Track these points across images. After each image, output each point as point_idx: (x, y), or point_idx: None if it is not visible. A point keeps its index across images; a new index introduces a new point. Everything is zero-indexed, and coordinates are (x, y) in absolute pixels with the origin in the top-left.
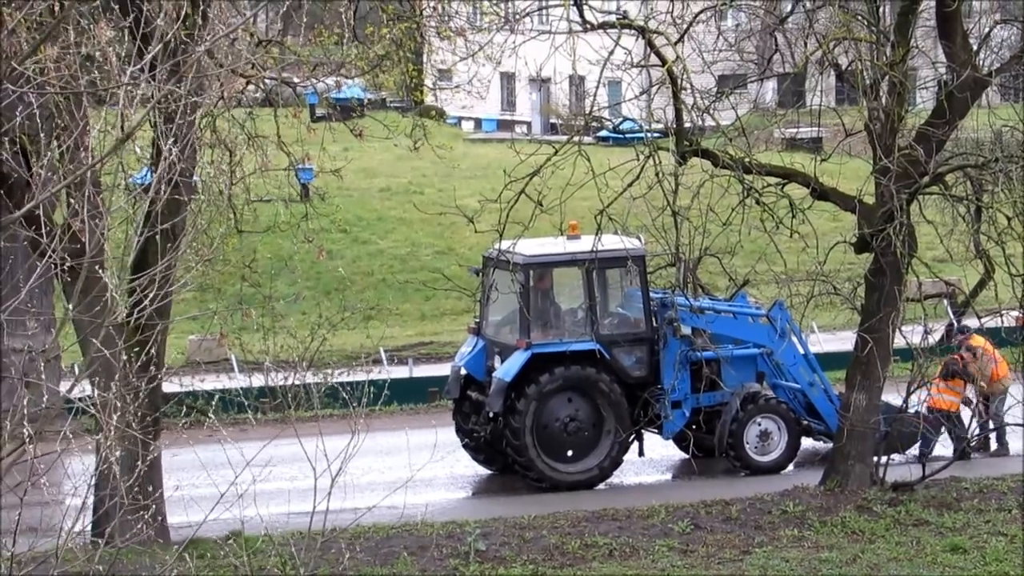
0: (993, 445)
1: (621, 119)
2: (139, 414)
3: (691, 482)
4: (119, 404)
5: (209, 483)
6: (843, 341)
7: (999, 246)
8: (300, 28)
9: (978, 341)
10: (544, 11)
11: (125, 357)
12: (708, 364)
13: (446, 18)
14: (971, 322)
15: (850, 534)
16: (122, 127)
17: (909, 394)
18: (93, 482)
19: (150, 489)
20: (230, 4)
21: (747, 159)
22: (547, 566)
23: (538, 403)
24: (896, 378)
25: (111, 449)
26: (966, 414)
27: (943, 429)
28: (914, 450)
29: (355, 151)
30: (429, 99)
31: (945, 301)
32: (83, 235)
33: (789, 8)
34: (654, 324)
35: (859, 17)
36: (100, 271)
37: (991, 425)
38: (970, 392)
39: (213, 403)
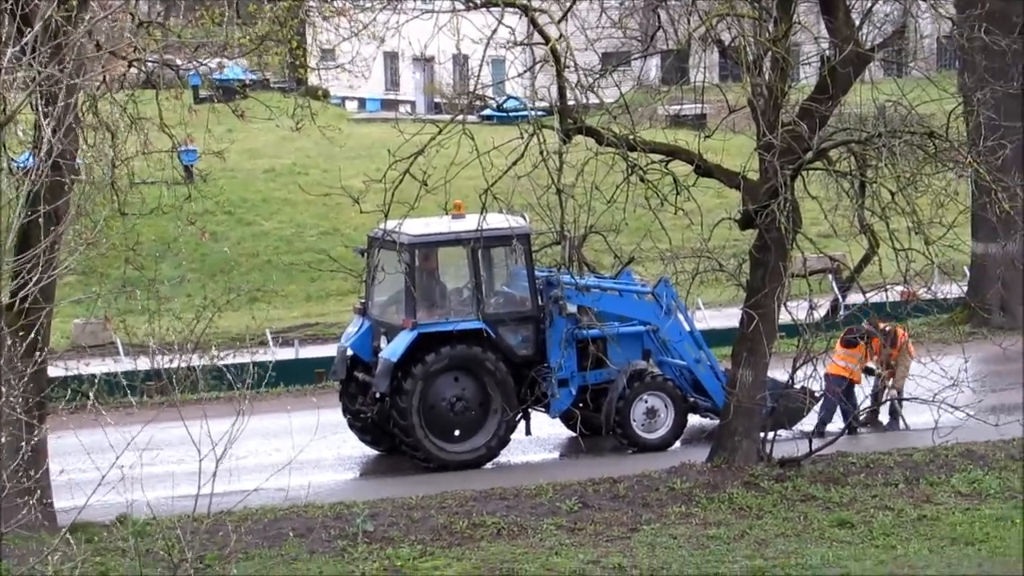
0: (885, 419)
1: (505, 98)
2: (24, 398)
3: (578, 460)
4: (3, 389)
5: (95, 467)
6: (728, 317)
7: (883, 221)
8: (181, 9)
9: (899, 331)
10: None
11: (9, 341)
12: (594, 342)
13: None
14: (857, 297)
15: (737, 510)
16: (3, 110)
17: (795, 369)
18: None
19: (34, 473)
20: None
21: (631, 136)
22: (435, 546)
23: (424, 383)
24: (782, 354)
25: None
26: (860, 388)
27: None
28: (811, 418)
29: (239, 132)
30: (313, 79)
31: (830, 276)
32: None
33: None
34: (540, 303)
35: None
36: None
37: (882, 399)
38: (871, 363)
39: (95, 385)
